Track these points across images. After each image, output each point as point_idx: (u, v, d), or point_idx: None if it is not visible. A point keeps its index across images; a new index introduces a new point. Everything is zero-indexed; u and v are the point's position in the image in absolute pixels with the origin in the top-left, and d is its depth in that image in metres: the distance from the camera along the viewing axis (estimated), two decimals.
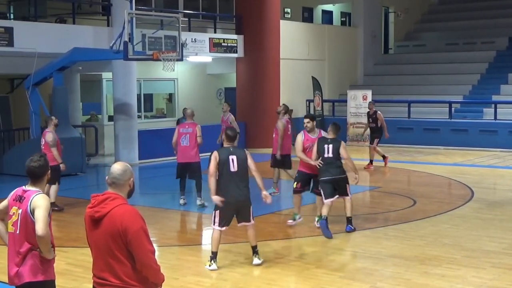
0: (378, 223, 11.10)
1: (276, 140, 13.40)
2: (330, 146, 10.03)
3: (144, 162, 18.47)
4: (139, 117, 21.32)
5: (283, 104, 14.21)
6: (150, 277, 4.42)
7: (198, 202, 12.56)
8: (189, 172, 12.62)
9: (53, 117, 12.78)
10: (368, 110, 18.13)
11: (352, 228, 10.26)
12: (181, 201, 12.74)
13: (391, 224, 10.93)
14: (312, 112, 24.56)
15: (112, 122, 19.45)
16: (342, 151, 10.02)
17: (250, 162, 8.37)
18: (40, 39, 16.54)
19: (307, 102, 24.85)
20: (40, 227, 4.88)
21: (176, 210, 12.72)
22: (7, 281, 5.26)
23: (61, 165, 12.04)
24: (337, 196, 10.09)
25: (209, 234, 11.03)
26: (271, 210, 12.36)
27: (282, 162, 13.52)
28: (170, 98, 24.62)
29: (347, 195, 10.19)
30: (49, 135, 12.20)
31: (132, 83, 18.89)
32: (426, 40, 29.99)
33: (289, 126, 13.54)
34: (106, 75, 20.76)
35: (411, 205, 12.46)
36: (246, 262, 8.69)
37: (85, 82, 21.73)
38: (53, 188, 12.10)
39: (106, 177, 4.54)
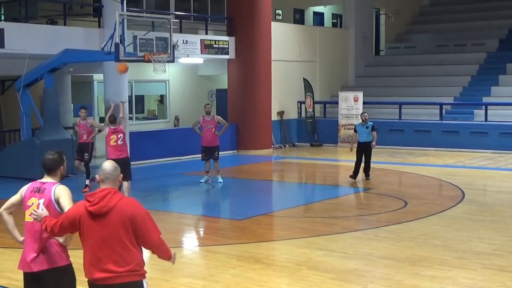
0: (369, 225, 11.12)
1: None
2: None
3: (135, 163, 18.39)
4: (131, 118, 21.30)
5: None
6: (161, 255, 4.86)
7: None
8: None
9: None
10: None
11: None
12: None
13: (382, 225, 10.95)
14: (303, 113, 24.64)
15: (103, 124, 19.38)
16: None
17: None
18: (31, 40, 16.48)
19: (299, 104, 24.88)
20: None
21: (168, 212, 12.73)
22: (6, 285, 5.25)
23: None
24: None
25: (201, 236, 11.05)
26: (262, 212, 12.41)
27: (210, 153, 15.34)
28: (162, 99, 24.59)
29: None
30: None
31: (123, 84, 18.83)
32: (417, 42, 30.07)
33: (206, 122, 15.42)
34: (97, 77, 20.71)
35: (402, 207, 12.49)
36: (238, 263, 8.70)
37: (76, 84, 21.67)
38: (126, 184, 12.62)
39: (97, 175, 4.85)
